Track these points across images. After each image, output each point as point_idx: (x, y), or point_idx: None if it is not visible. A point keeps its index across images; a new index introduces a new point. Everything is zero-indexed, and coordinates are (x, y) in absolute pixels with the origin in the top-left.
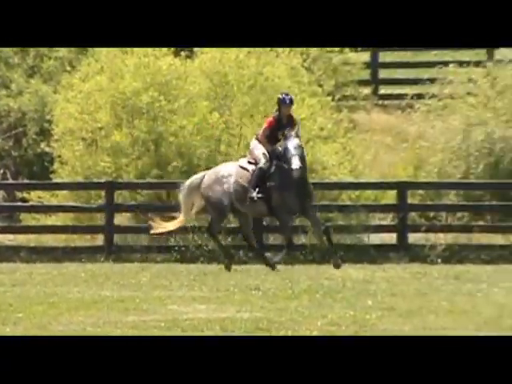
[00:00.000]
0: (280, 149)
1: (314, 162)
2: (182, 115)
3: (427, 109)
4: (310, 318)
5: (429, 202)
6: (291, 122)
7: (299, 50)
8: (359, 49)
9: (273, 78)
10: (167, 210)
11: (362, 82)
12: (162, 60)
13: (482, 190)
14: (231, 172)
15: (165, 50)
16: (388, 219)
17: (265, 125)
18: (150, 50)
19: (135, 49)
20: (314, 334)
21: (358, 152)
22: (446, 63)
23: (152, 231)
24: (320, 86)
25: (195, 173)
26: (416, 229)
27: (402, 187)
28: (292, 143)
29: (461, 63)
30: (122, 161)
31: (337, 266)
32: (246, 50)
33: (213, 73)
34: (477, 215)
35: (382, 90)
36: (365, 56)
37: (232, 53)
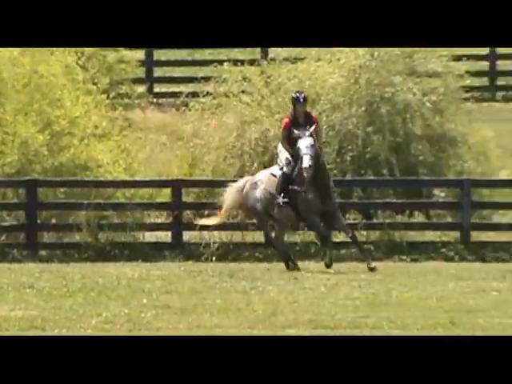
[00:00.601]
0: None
1: (89, 159)
2: None
3: (202, 107)
4: (84, 316)
5: (203, 200)
6: (309, 120)
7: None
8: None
9: (47, 76)
10: None
11: (137, 80)
12: None
13: None
14: (263, 179)
15: None
16: (163, 217)
17: (282, 126)
18: None
19: None
20: (89, 332)
21: (132, 150)
22: (220, 62)
23: (200, 223)
24: (95, 83)
25: None
26: (191, 227)
27: (176, 185)
28: (304, 142)
29: (235, 62)
30: None
31: (371, 269)
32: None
33: None
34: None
35: (157, 89)
36: (139, 54)
37: (6, 50)
